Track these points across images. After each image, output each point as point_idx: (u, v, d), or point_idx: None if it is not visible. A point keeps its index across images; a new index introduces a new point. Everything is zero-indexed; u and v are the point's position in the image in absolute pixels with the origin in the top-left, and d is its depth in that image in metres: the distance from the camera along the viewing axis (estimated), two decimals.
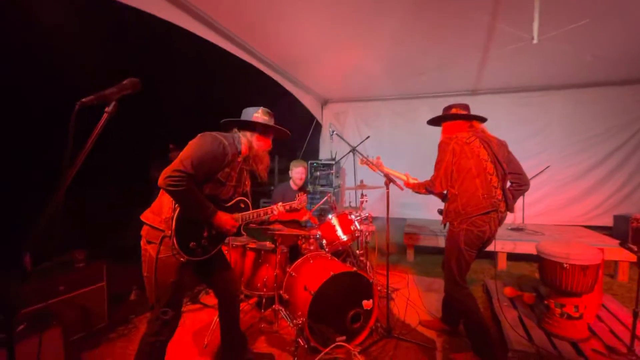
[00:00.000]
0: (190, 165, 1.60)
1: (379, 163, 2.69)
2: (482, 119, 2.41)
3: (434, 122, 2.55)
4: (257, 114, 1.91)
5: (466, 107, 2.42)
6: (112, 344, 2.49)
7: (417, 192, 2.47)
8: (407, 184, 2.55)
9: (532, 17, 2.90)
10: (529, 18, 2.91)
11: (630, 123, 5.08)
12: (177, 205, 1.66)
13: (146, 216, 1.75)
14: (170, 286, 1.70)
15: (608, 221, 4.97)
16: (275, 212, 2.13)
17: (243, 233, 1.96)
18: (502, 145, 2.33)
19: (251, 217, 1.98)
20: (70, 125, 1.00)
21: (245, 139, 1.89)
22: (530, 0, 2.77)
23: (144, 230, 1.74)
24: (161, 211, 1.71)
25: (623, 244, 2.03)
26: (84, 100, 1.06)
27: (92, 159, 1.14)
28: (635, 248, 2.08)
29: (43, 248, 2.49)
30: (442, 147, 2.31)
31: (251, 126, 1.91)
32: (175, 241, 1.65)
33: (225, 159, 1.76)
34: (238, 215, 1.91)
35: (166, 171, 1.58)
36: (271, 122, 1.95)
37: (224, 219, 1.79)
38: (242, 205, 1.98)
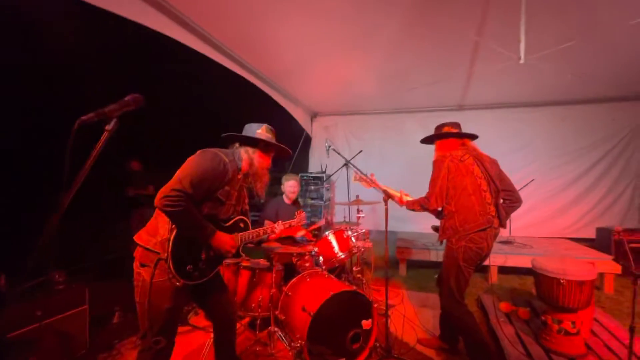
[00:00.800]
0: (189, 184, 1.52)
1: (373, 180, 2.69)
2: (473, 137, 2.48)
3: (426, 140, 2.60)
4: (260, 131, 1.86)
5: (457, 125, 2.48)
6: None
7: (411, 210, 2.46)
8: (401, 201, 2.55)
9: (519, 38, 3.02)
10: (515, 38, 3.03)
11: (607, 139, 5.35)
12: (174, 226, 1.58)
13: (140, 237, 1.64)
14: (164, 313, 1.59)
15: (591, 233, 5.13)
16: (276, 232, 2.06)
17: (242, 254, 1.88)
18: (494, 163, 2.39)
19: (250, 237, 1.90)
20: (69, 144, 0.93)
21: (246, 155, 1.82)
22: (516, 21, 2.89)
23: (138, 252, 1.63)
24: (157, 232, 1.61)
25: (617, 260, 2.06)
26: (83, 117, 0.98)
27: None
28: (631, 265, 2.11)
29: (19, 269, 2.33)
30: (437, 164, 2.34)
31: (254, 142, 1.86)
32: (171, 264, 1.55)
33: (225, 177, 1.69)
34: (237, 236, 1.83)
35: (163, 190, 1.50)
36: (273, 140, 1.91)
37: (223, 239, 1.70)
38: (242, 225, 1.90)
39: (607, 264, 3.74)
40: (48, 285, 2.45)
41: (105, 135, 1.04)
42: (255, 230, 1.94)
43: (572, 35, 3.14)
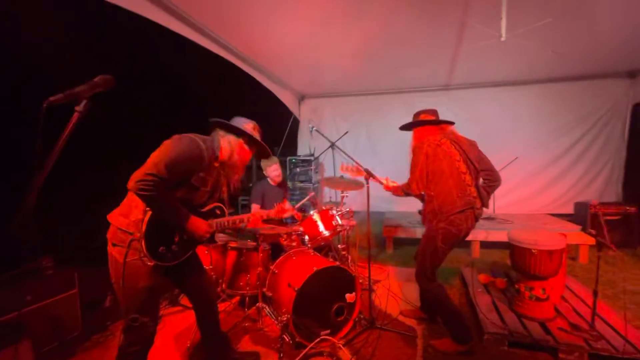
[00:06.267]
0: (164, 169, 1.52)
1: (359, 168, 2.69)
2: (450, 123, 2.49)
3: (405, 127, 2.62)
4: (247, 125, 1.89)
5: (434, 112, 2.50)
6: (88, 353, 2.40)
7: (396, 195, 2.54)
8: (387, 188, 2.61)
9: (500, 15, 3.03)
10: (497, 16, 3.04)
11: (588, 116, 5.45)
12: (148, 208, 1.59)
13: (113, 217, 1.65)
14: (140, 292, 1.61)
15: (570, 209, 5.31)
16: (250, 221, 2.09)
17: (216, 240, 1.92)
18: (472, 144, 2.42)
19: (226, 224, 1.93)
20: (39, 126, 0.95)
21: (227, 145, 1.82)
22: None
23: (110, 233, 1.64)
24: (130, 213, 1.62)
25: (584, 230, 2.18)
26: (51, 99, 1.00)
27: (57, 159, 1.07)
28: (594, 232, 2.26)
29: (8, 256, 2.34)
30: (415, 151, 2.38)
31: (238, 133, 1.86)
32: (143, 244, 1.56)
33: (201, 164, 1.69)
34: (213, 222, 1.85)
35: (137, 174, 1.49)
36: (258, 138, 1.93)
37: (197, 224, 1.71)
38: (218, 212, 1.92)
39: (583, 236, 3.92)
40: (37, 271, 2.48)
41: (75, 116, 1.05)
42: (230, 217, 1.96)
43: (551, 13, 3.16)
